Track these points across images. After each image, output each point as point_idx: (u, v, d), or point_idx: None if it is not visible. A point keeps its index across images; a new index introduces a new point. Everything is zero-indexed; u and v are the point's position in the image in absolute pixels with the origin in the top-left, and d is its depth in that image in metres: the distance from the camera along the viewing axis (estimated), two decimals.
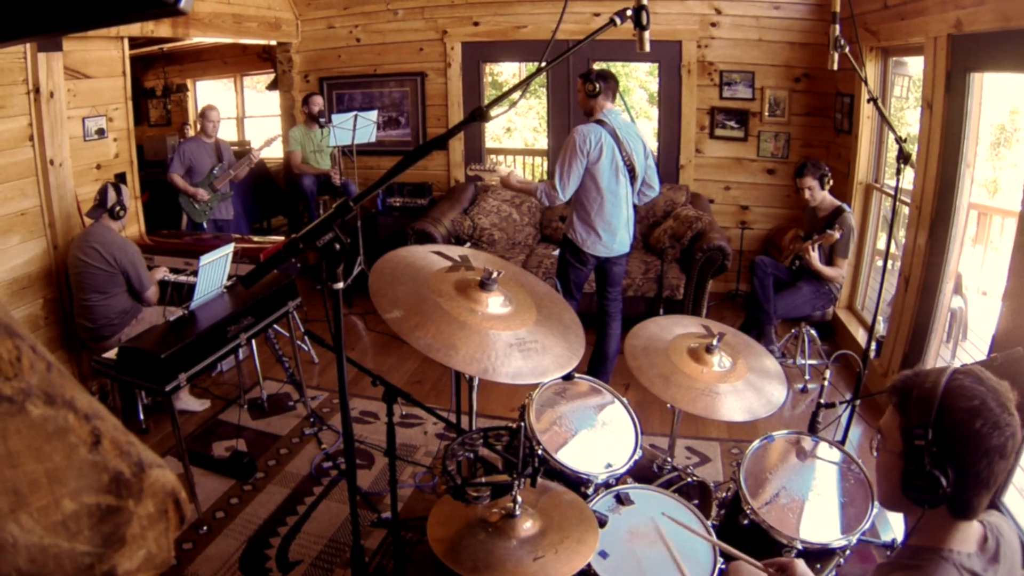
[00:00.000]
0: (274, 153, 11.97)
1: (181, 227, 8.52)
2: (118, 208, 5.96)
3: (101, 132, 7.03)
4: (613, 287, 6.50)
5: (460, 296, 3.10)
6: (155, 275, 6.35)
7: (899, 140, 4.38)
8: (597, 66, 6.58)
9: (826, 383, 4.17)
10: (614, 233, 6.16)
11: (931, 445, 1.90)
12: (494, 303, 3.13)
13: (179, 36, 9.03)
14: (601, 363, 6.63)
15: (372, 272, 3.14)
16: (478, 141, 10.41)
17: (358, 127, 8.78)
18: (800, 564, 2.60)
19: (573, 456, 3.64)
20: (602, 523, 3.04)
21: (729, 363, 3.81)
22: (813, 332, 7.29)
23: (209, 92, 15.96)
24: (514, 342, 2.99)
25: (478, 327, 2.98)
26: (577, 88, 6.21)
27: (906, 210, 6.43)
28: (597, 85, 5.96)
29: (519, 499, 2.86)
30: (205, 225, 8.52)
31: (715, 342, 3.80)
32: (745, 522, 3.33)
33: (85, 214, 6.28)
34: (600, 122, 5.98)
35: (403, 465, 5.68)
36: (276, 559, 4.66)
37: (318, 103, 9.49)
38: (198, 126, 8.56)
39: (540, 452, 3.51)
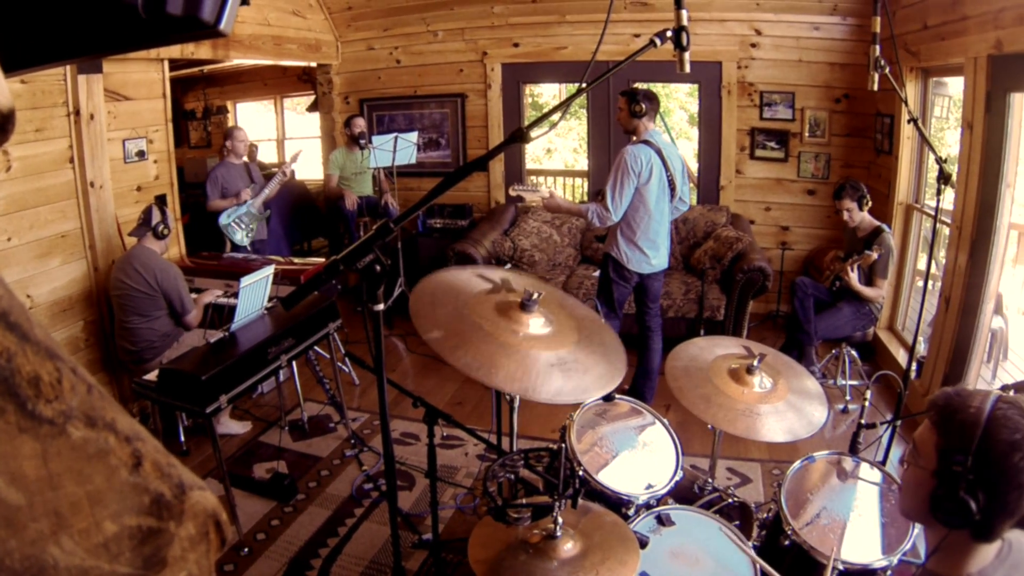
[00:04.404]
0: (314, 175, 12.01)
1: (226, 250, 8.53)
2: (162, 227, 6.00)
3: (141, 154, 7.09)
4: (653, 302, 6.57)
5: (501, 317, 3.10)
6: (204, 298, 6.40)
7: (939, 160, 4.36)
8: (644, 87, 6.56)
9: (867, 404, 4.15)
10: (658, 249, 6.27)
11: (968, 472, 1.90)
12: (535, 324, 3.13)
13: (219, 58, 9.10)
14: (646, 378, 6.67)
15: (413, 293, 3.15)
16: (518, 162, 10.40)
17: (398, 148, 8.80)
18: None
19: (614, 477, 3.64)
20: (643, 544, 3.03)
21: (770, 384, 3.80)
22: (854, 353, 7.24)
23: (249, 114, 16.09)
24: (555, 362, 2.99)
25: (519, 348, 2.98)
26: (618, 105, 6.18)
27: (946, 230, 6.39)
28: (644, 106, 6.00)
29: (560, 520, 2.86)
30: (248, 247, 8.52)
31: (756, 363, 3.79)
32: (786, 543, 3.32)
33: (128, 233, 6.31)
34: (646, 142, 6.00)
35: (444, 486, 5.67)
36: None
37: (359, 125, 9.49)
38: (227, 146, 8.53)
39: (581, 473, 3.50)
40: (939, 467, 1.97)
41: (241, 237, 8.41)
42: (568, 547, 2.86)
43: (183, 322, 6.21)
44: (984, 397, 1.97)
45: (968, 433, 1.91)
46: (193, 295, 6.33)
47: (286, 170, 8.64)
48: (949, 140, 8.57)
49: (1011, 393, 2.03)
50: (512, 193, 6.19)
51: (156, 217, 5.99)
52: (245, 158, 8.71)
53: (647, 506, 3.55)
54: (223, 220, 8.29)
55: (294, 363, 6.16)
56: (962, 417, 1.94)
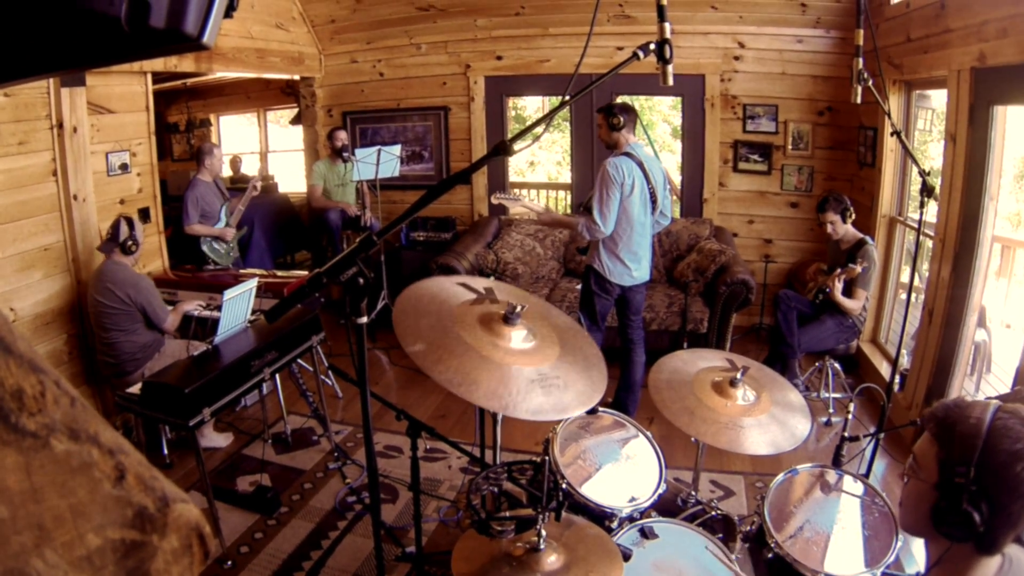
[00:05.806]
0: (297, 187, 11.96)
1: (210, 266, 8.45)
2: (130, 243, 5.94)
3: (124, 167, 7.06)
4: (635, 315, 6.56)
5: (483, 330, 3.09)
6: (182, 306, 6.38)
7: (923, 173, 4.38)
8: (620, 100, 6.56)
9: (850, 416, 4.15)
10: (640, 262, 6.25)
11: (970, 484, 1.88)
12: (517, 337, 3.12)
13: (202, 71, 9.06)
14: (629, 392, 6.65)
15: (396, 305, 3.14)
16: (502, 175, 10.42)
17: (381, 161, 8.75)
18: None
19: (597, 490, 3.63)
20: (626, 557, 3.03)
21: (753, 397, 3.80)
22: (837, 365, 7.24)
23: (232, 127, 16.02)
24: (536, 378, 2.98)
25: (500, 362, 2.97)
26: (597, 123, 6.18)
27: (930, 243, 6.41)
28: (621, 118, 5.98)
29: (543, 533, 2.85)
30: (232, 266, 8.44)
31: (739, 376, 3.79)
32: (770, 555, 3.32)
33: (97, 248, 6.26)
34: (628, 155, 5.99)
35: (427, 499, 5.66)
36: None
37: (341, 138, 9.51)
38: (205, 165, 8.25)
39: (564, 486, 3.50)
40: (941, 479, 1.95)
41: (225, 259, 8.35)
42: (551, 560, 2.85)
43: (162, 329, 6.18)
44: (984, 407, 1.95)
45: (969, 444, 1.89)
46: (170, 308, 6.30)
47: (256, 184, 8.60)
48: (932, 153, 8.61)
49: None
50: (494, 201, 6.17)
51: (124, 232, 5.93)
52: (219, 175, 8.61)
53: (630, 519, 3.55)
54: (205, 247, 8.19)
55: (277, 376, 6.14)
56: (963, 428, 1.93)
